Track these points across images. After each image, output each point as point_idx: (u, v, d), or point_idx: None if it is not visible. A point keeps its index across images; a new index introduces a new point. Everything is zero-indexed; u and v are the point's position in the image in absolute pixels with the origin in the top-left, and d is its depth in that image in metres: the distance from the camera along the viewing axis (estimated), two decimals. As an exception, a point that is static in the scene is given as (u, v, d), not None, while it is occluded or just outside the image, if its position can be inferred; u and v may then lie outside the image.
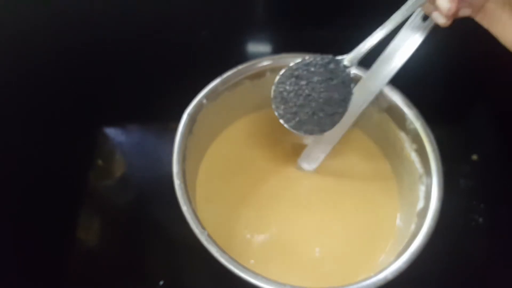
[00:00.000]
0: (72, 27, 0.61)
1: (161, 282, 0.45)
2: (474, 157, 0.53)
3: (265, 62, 0.47)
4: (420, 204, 0.41)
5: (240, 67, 0.46)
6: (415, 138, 0.43)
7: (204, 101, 0.44)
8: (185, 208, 0.38)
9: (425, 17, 0.40)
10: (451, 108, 0.58)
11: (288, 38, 0.64)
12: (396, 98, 0.44)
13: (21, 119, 0.55)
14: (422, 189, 0.42)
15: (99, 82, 0.59)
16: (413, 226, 0.41)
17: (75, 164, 0.52)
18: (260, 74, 0.47)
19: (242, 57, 0.63)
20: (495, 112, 0.58)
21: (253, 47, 0.65)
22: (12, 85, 0.58)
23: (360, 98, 0.44)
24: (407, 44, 0.41)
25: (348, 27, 0.63)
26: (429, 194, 0.40)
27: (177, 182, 0.39)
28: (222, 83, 0.45)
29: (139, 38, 0.62)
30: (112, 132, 0.56)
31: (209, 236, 0.36)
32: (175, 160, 0.41)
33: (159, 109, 0.56)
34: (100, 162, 0.53)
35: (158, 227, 0.48)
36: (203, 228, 0.37)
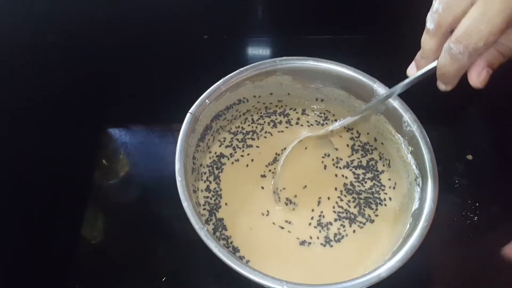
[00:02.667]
0: (77, 29, 0.62)
1: (164, 278, 0.45)
2: (469, 156, 0.54)
3: (267, 65, 0.48)
4: (415, 205, 0.42)
5: (242, 69, 0.47)
6: (411, 141, 0.44)
7: (207, 101, 0.45)
8: (185, 204, 0.38)
9: None
10: (447, 109, 0.58)
11: (286, 43, 0.66)
12: (394, 101, 0.45)
13: (27, 120, 0.56)
14: (417, 190, 0.42)
15: (103, 84, 0.60)
16: (407, 227, 0.41)
17: (80, 163, 0.53)
18: (261, 76, 0.48)
19: (243, 61, 0.64)
20: (488, 113, 0.59)
21: (253, 51, 0.66)
22: (17, 86, 0.58)
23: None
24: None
25: (342, 31, 0.64)
26: (424, 196, 0.40)
27: (178, 179, 0.40)
28: (224, 84, 0.46)
29: (143, 41, 0.63)
30: (116, 133, 0.57)
31: (208, 231, 0.37)
32: (177, 157, 0.41)
33: (162, 111, 0.58)
34: (104, 161, 0.54)
35: (161, 225, 0.49)
36: (203, 224, 0.38)
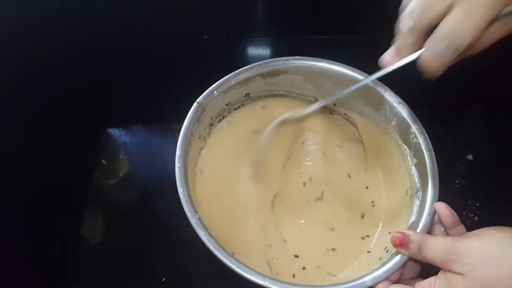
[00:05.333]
0: (77, 30, 0.62)
1: (164, 279, 0.45)
2: (469, 156, 0.54)
3: (278, 62, 0.47)
4: (412, 218, 0.41)
5: (253, 64, 0.47)
6: (417, 153, 0.43)
7: (215, 92, 0.45)
8: (181, 191, 0.38)
9: None
10: (447, 109, 0.58)
11: (286, 43, 0.66)
12: (403, 111, 0.44)
13: (27, 120, 0.56)
14: (416, 203, 0.42)
15: (103, 84, 0.60)
16: None
17: (80, 163, 0.53)
18: (272, 73, 0.48)
19: (243, 60, 0.64)
20: (488, 113, 0.59)
21: (253, 51, 0.66)
22: (18, 87, 0.58)
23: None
24: None
25: (342, 30, 0.64)
26: (422, 210, 0.39)
27: (177, 165, 0.40)
28: (235, 77, 0.46)
29: (143, 41, 0.63)
30: (116, 133, 0.56)
31: (199, 219, 0.37)
32: (179, 143, 0.41)
33: (162, 111, 0.58)
34: (104, 162, 0.54)
35: (161, 225, 0.49)
36: (196, 212, 0.37)
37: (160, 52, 0.63)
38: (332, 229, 0.46)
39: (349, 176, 0.49)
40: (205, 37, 0.65)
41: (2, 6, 0.61)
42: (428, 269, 0.36)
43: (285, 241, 0.45)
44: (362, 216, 0.47)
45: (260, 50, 0.66)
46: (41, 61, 0.60)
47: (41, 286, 0.46)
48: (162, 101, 0.58)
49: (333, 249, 0.45)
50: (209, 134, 0.48)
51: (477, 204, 0.50)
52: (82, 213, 0.49)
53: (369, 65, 0.46)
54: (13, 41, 0.61)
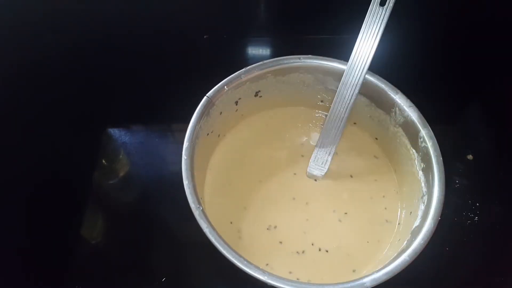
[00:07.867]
0: (77, 30, 0.62)
1: (164, 279, 0.45)
2: (469, 156, 0.54)
3: (290, 60, 0.47)
4: (417, 222, 0.41)
5: (265, 61, 0.47)
6: (425, 157, 0.43)
7: (225, 87, 0.45)
8: (186, 183, 0.38)
9: (382, 2, 0.41)
10: (447, 109, 0.58)
11: (286, 43, 0.66)
12: (413, 114, 0.44)
13: (27, 120, 0.56)
14: (421, 208, 0.41)
15: (103, 84, 0.60)
16: (405, 243, 0.40)
17: (80, 163, 0.53)
18: (283, 71, 0.48)
19: (243, 60, 0.64)
20: (488, 113, 0.59)
21: (253, 51, 0.66)
22: (18, 87, 0.58)
23: (346, 93, 0.44)
24: (373, 32, 0.41)
25: (342, 30, 0.64)
26: (427, 215, 0.39)
27: (184, 158, 0.40)
28: (246, 74, 0.46)
29: (143, 41, 0.63)
30: (116, 133, 0.56)
31: (203, 212, 0.37)
32: (187, 136, 0.41)
33: (162, 111, 0.58)
34: (104, 161, 0.54)
35: (161, 225, 0.49)
36: (199, 204, 0.37)
37: (160, 52, 0.63)
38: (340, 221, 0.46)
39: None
40: (205, 37, 0.65)
41: (2, 6, 0.61)
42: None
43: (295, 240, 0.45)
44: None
45: (261, 50, 0.66)
46: (41, 61, 0.60)
47: (41, 286, 0.46)
48: (162, 101, 0.58)
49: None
50: None
51: (477, 204, 0.50)
52: (82, 213, 0.49)
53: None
54: (13, 41, 0.61)
